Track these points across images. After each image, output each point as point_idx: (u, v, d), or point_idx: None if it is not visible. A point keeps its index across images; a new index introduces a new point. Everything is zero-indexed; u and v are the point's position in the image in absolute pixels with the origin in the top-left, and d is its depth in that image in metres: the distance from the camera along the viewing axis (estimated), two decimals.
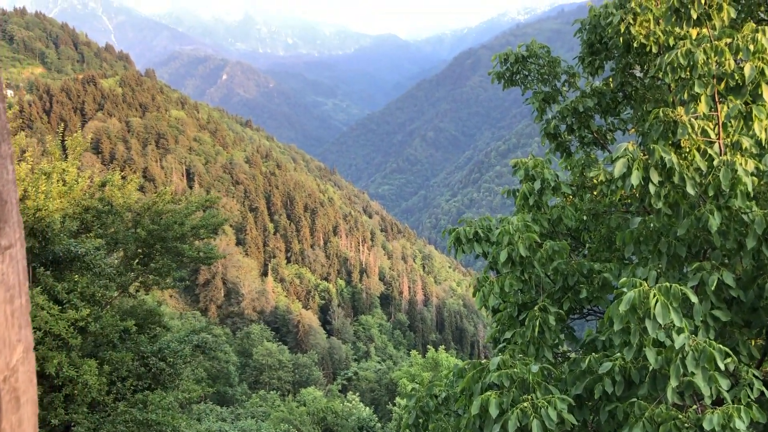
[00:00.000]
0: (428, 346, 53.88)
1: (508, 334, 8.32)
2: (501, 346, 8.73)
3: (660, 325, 5.77)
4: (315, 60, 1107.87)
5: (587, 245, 10.92)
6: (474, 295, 9.17)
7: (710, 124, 6.90)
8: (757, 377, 6.25)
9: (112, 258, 16.45)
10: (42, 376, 11.83)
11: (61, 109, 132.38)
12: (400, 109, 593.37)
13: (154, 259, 16.27)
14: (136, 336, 15.35)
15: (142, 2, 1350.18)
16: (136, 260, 16.47)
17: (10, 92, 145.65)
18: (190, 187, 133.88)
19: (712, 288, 6.48)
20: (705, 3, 6.91)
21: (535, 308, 7.87)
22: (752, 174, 6.57)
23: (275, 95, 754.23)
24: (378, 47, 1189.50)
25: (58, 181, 14.99)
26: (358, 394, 54.75)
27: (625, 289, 6.19)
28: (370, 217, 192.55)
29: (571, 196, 10.79)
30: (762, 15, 11.07)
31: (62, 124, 43.53)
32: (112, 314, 13.92)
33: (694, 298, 5.97)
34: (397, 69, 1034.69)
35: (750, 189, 6.45)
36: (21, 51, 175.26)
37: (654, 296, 5.84)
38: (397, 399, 44.29)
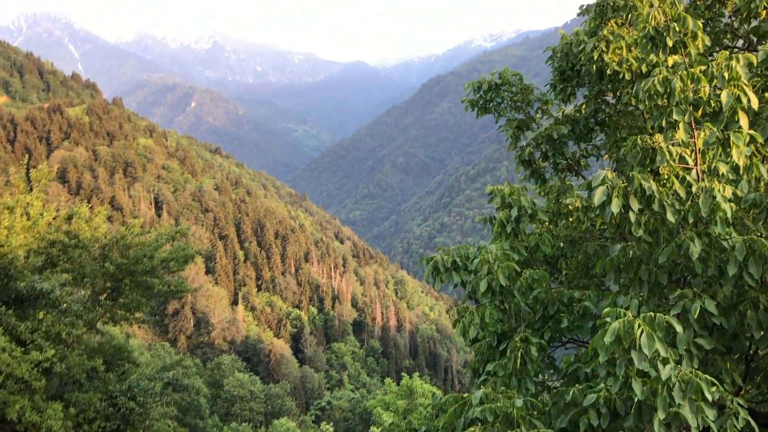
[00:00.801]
0: (402, 373, 53.43)
1: (489, 367, 8.16)
2: (482, 378, 8.56)
3: (646, 356, 5.68)
4: (285, 87, 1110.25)
5: (564, 272, 10.89)
6: (454, 326, 9.02)
7: (687, 150, 6.92)
8: (742, 406, 6.17)
9: (79, 294, 15.88)
10: (3, 422, 11.26)
11: (26, 138, 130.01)
12: (371, 135, 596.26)
13: (123, 293, 15.77)
14: (104, 374, 14.72)
15: (108, 31, 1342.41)
16: (104, 295, 15.94)
17: None
18: (159, 216, 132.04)
19: (695, 316, 6.44)
20: (680, 31, 6.97)
21: (517, 339, 7.75)
22: (730, 200, 6.58)
23: (245, 122, 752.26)
24: (347, 74, 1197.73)
25: (21, 215, 14.48)
26: (331, 424, 53.92)
27: (608, 319, 6.11)
28: (342, 242, 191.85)
29: (547, 223, 10.76)
30: (728, 42, 11.28)
31: (27, 155, 42.59)
32: (78, 353, 13.36)
33: (678, 328, 5.90)
34: (367, 96, 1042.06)
35: (729, 215, 6.45)
36: None
37: (639, 326, 5.75)
38: (372, 428, 43.66)
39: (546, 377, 10.19)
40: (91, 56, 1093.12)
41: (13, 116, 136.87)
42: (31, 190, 16.24)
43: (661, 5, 7.64)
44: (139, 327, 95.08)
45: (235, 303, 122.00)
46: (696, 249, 6.40)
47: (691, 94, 6.67)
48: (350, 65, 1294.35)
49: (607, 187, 6.67)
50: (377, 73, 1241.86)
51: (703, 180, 6.85)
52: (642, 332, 5.68)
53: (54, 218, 16.47)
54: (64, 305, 13.26)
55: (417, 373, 49.32)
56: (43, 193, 16.45)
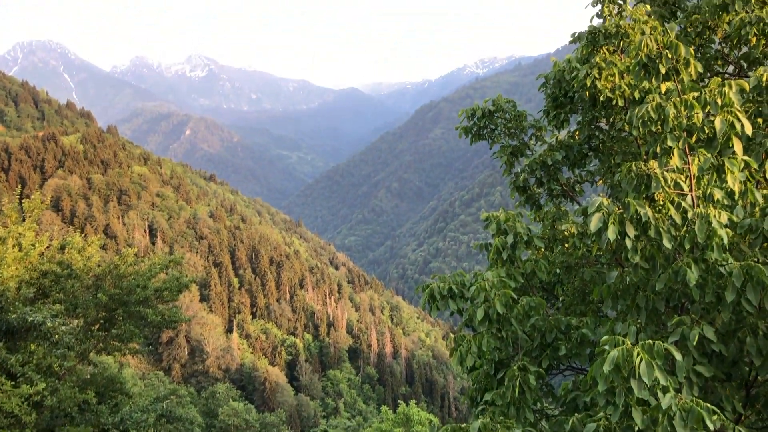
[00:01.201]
0: (399, 401, 52.91)
1: (487, 396, 8.06)
2: (480, 407, 8.45)
3: (645, 384, 5.62)
4: (279, 114, 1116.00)
5: (561, 298, 10.84)
6: (451, 354, 8.93)
7: (682, 176, 6.93)
8: None
9: (71, 325, 15.68)
10: None
11: (20, 167, 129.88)
12: (365, 161, 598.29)
13: (116, 324, 15.56)
14: (96, 407, 14.47)
15: (103, 60, 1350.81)
16: (97, 326, 15.73)
17: None
18: (153, 243, 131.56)
19: (694, 343, 6.39)
20: (673, 58, 7.02)
21: (515, 367, 7.67)
22: (726, 226, 6.57)
23: (239, 149, 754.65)
24: (341, 101, 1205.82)
25: (13, 246, 14.34)
26: None
27: (607, 347, 6.05)
28: (337, 268, 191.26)
29: (543, 250, 10.74)
30: (719, 68, 11.39)
31: (20, 184, 42.52)
32: (70, 385, 13.12)
33: (678, 355, 5.84)
34: (361, 122, 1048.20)
35: (725, 241, 6.43)
36: None
37: (638, 354, 5.70)
38: None
39: (544, 405, 10.09)
40: (86, 85, 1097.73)
41: (7, 145, 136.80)
42: (23, 220, 16.12)
43: (653, 33, 7.71)
44: (133, 356, 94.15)
45: (229, 331, 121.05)
46: (693, 275, 6.37)
47: (684, 121, 6.70)
48: (344, 92, 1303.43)
49: (603, 213, 6.66)
50: (370, 99, 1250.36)
51: (698, 206, 6.84)
52: (641, 360, 5.63)
53: (47, 248, 16.33)
54: (56, 337, 13.07)
55: (414, 401, 48.89)
56: (35, 224, 16.32)
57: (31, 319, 12.46)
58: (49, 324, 12.24)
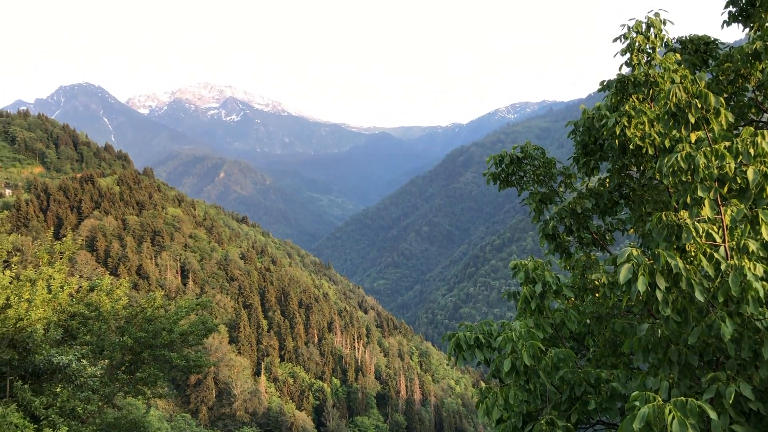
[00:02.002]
0: None
1: None
2: None
3: None
4: (311, 158, 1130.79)
5: (592, 350, 10.56)
6: (477, 407, 8.71)
7: (714, 227, 6.76)
8: None
9: (96, 367, 15.73)
10: None
11: (58, 207, 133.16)
12: (395, 204, 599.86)
13: (141, 367, 15.57)
14: None
15: (142, 103, 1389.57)
16: (122, 369, 15.74)
17: (8, 191, 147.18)
18: (185, 284, 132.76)
19: (730, 401, 6.14)
20: (702, 107, 6.93)
21: (543, 421, 7.45)
22: (762, 279, 6.37)
23: (271, 192, 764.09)
24: (372, 145, 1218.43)
25: (43, 288, 14.55)
26: None
27: (637, 403, 5.85)
28: (366, 312, 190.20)
29: (573, 299, 10.52)
30: (752, 116, 11.23)
31: (55, 225, 43.51)
32: (92, 429, 13.06)
33: (713, 414, 5.61)
34: (391, 166, 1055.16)
35: (761, 294, 6.22)
36: (22, 151, 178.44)
37: (670, 412, 5.49)
38: None
39: None
40: (124, 128, 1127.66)
41: (47, 186, 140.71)
42: (55, 262, 16.37)
43: (682, 81, 7.64)
44: (160, 398, 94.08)
45: (257, 373, 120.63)
46: (728, 330, 6.16)
47: (715, 171, 6.57)
48: (375, 136, 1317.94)
49: (632, 264, 6.52)
50: (402, 144, 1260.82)
51: (732, 258, 6.66)
52: (673, 418, 5.42)
53: (77, 291, 16.53)
54: (80, 380, 13.08)
55: None
56: (65, 266, 16.57)
57: (57, 361, 12.53)
58: (74, 366, 12.26)
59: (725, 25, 12.05)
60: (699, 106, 6.93)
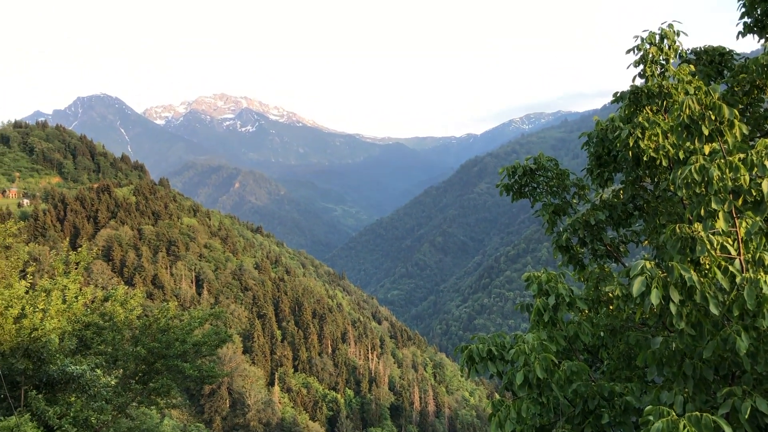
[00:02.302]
0: None
1: None
2: None
3: None
4: (325, 168, 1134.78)
5: (606, 362, 10.47)
6: (490, 419, 8.66)
7: (729, 240, 6.70)
8: None
9: (110, 377, 15.81)
10: None
11: (75, 217, 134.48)
12: (409, 215, 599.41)
13: (154, 378, 15.62)
14: None
15: (158, 114, 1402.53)
16: (136, 378, 15.81)
17: (26, 201, 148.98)
18: (199, 294, 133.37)
19: (746, 416, 6.05)
20: (716, 119, 6.89)
21: None
22: None
23: (286, 202, 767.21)
24: (386, 156, 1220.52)
25: (58, 298, 14.69)
26: None
27: (651, 417, 5.79)
28: (380, 323, 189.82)
29: (586, 311, 10.44)
30: None
31: (72, 233, 43.94)
32: None
33: (728, 429, 5.54)
34: (405, 176, 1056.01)
35: None
36: (40, 162, 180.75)
37: (684, 427, 5.43)
38: None
39: None
40: (140, 139, 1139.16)
41: (64, 196, 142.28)
42: (69, 272, 16.52)
43: (696, 93, 7.60)
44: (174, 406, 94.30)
45: (271, 384, 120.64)
46: (743, 344, 6.09)
47: (729, 183, 6.52)
48: (389, 147, 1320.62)
49: (645, 277, 6.47)
50: (416, 154, 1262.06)
51: (747, 271, 6.59)
52: None
53: (91, 301, 16.65)
54: (94, 390, 13.16)
55: None
56: (80, 276, 16.72)
57: (71, 370, 12.61)
58: (88, 376, 12.35)
59: (740, 36, 11.99)
60: (712, 117, 6.89)
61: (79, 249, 17.32)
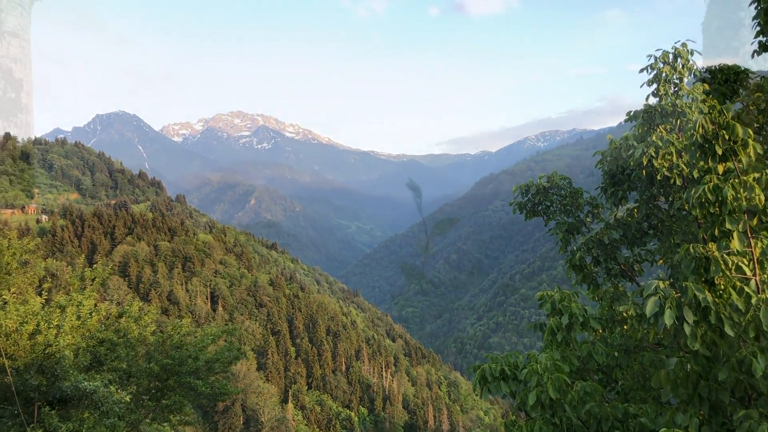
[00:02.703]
0: None
1: None
2: None
3: None
4: (340, 185, 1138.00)
5: (620, 383, 10.34)
6: None
7: (745, 260, 6.63)
8: None
9: (123, 393, 15.86)
10: None
11: (92, 233, 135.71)
12: (423, 232, 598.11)
13: (167, 394, 15.65)
14: None
15: (176, 132, 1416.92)
16: (149, 395, 15.85)
17: (44, 217, 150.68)
18: (214, 310, 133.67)
19: None
20: (730, 139, 6.84)
21: None
22: None
23: (301, 219, 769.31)
24: (401, 173, 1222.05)
25: (72, 314, 14.80)
26: None
27: None
28: (394, 340, 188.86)
29: (600, 331, 10.35)
30: None
31: (89, 249, 44.38)
32: None
33: None
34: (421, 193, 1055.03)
35: None
36: (59, 178, 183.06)
37: None
38: None
39: None
40: (158, 156, 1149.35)
41: (82, 212, 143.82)
42: (85, 288, 16.65)
43: (710, 112, 7.56)
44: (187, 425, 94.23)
45: (285, 401, 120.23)
46: (759, 366, 6.00)
47: (744, 202, 6.46)
48: (404, 164, 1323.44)
49: (659, 297, 6.41)
50: (430, 171, 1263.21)
51: (763, 291, 6.51)
52: None
53: (106, 317, 16.76)
54: (106, 406, 13.21)
55: None
56: (95, 292, 16.84)
57: (84, 387, 12.67)
58: (101, 392, 12.41)
59: (755, 54, 11.93)
60: (726, 137, 6.84)
61: (95, 265, 17.47)
